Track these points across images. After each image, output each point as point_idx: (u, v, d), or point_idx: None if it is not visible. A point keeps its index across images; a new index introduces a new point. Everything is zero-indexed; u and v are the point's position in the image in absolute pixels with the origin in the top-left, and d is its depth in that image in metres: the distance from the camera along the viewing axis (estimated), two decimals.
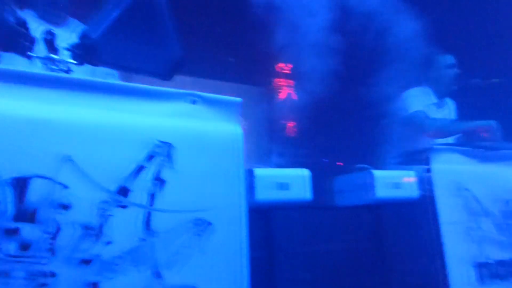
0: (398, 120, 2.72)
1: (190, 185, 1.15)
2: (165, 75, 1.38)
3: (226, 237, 1.17)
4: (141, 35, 1.28)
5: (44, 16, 1.69)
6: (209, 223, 1.16)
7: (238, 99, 1.30)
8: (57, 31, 1.17)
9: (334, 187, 2.14)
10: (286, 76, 5.25)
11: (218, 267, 1.16)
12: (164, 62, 1.35)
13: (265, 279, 1.91)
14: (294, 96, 5.23)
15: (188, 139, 1.18)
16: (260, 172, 1.61)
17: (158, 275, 1.10)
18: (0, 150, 0.95)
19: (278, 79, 5.24)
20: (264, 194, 1.56)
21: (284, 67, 5.25)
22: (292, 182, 1.48)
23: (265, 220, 1.85)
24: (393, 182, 1.76)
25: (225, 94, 1.29)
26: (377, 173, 1.76)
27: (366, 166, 1.85)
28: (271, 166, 2.01)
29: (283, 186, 1.49)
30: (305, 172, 1.55)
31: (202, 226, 1.16)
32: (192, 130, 1.19)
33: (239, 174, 1.23)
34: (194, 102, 1.22)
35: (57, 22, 1.71)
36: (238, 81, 4.72)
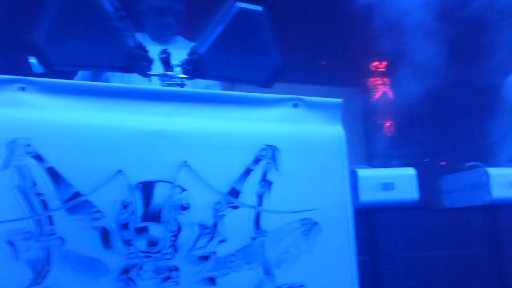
0: (507, 108, 2.48)
1: (296, 186, 1.19)
2: (266, 83, 1.44)
3: (333, 237, 1.19)
4: (243, 47, 1.36)
5: (154, 37, 1.87)
6: (316, 223, 1.19)
7: (338, 100, 1.31)
8: (170, 49, 1.29)
9: (442, 188, 2.03)
10: (381, 74, 5.10)
11: (326, 266, 1.18)
12: (265, 70, 1.42)
13: (369, 284, 1.88)
14: (391, 95, 5.06)
15: (292, 142, 1.22)
16: (364, 172, 1.60)
17: (268, 272, 1.15)
18: (130, 159, 1.07)
19: (373, 78, 5.11)
20: (368, 195, 1.54)
21: (378, 65, 5.10)
22: (397, 182, 1.45)
23: (369, 222, 1.82)
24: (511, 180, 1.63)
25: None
26: (493, 171, 1.63)
27: (477, 163, 1.74)
28: (372, 167, 1.97)
29: (388, 186, 1.46)
30: (411, 171, 1.51)
31: (309, 225, 1.19)
32: (295, 133, 1.23)
33: (343, 174, 1.24)
34: (296, 106, 1.26)
35: (166, 41, 1.88)
36: (332, 84, 4.69)
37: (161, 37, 1.86)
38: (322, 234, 1.19)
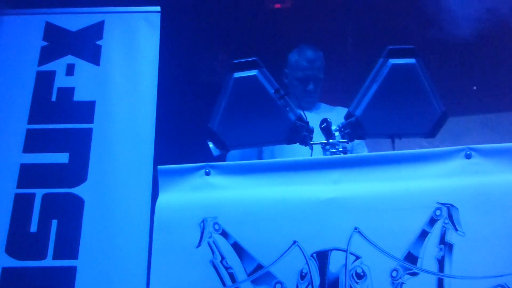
0: None
1: (482, 248, 1.07)
2: (430, 133, 1.38)
3: None
4: (401, 101, 1.33)
5: (299, 105, 1.97)
6: None
7: None
8: (330, 117, 1.35)
9: None
10: None
11: None
12: (427, 120, 1.36)
13: None
14: None
15: (470, 197, 1.12)
16: None
17: None
18: (303, 229, 1.13)
19: None
20: None
21: None
22: None
23: None
24: None
25: (475, 130, 1.19)
26: None
27: None
28: None
29: None
30: None
31: None
32: (472, 187, 1.13)
33: None
34: (469, 157, 1.17)
35: (309, 108, 1.97)
36: (488, 111, 4.08)
37: (304, 104, 1.95)
38: None
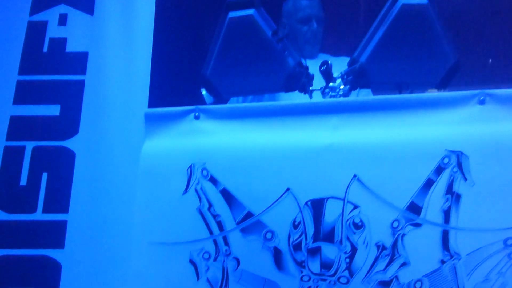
0: None
1: (493, 198, 0.98)
2: (440, 84, 1.27)
3: None
4: (410, 47, 1.22)
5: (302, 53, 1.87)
6: None
7: None
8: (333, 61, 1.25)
9: None
10: None
11: None
12: (437, 70, 1.25)
13: None
14: None
15: (482, 144, 1.02)
16: None
17: None
18: (298, 177, 1.04)
19: None
20: None
21: None
22: None
23: None
24: None
25: None
26: None
27: None
28: None
29: None
30: None
31: None
32: (485, 134, 1.03)
33: None
34: (483, 102, 1.06)
35: (311, 57, 1.88)
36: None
37: (309, 48, 1.87)
38: None
